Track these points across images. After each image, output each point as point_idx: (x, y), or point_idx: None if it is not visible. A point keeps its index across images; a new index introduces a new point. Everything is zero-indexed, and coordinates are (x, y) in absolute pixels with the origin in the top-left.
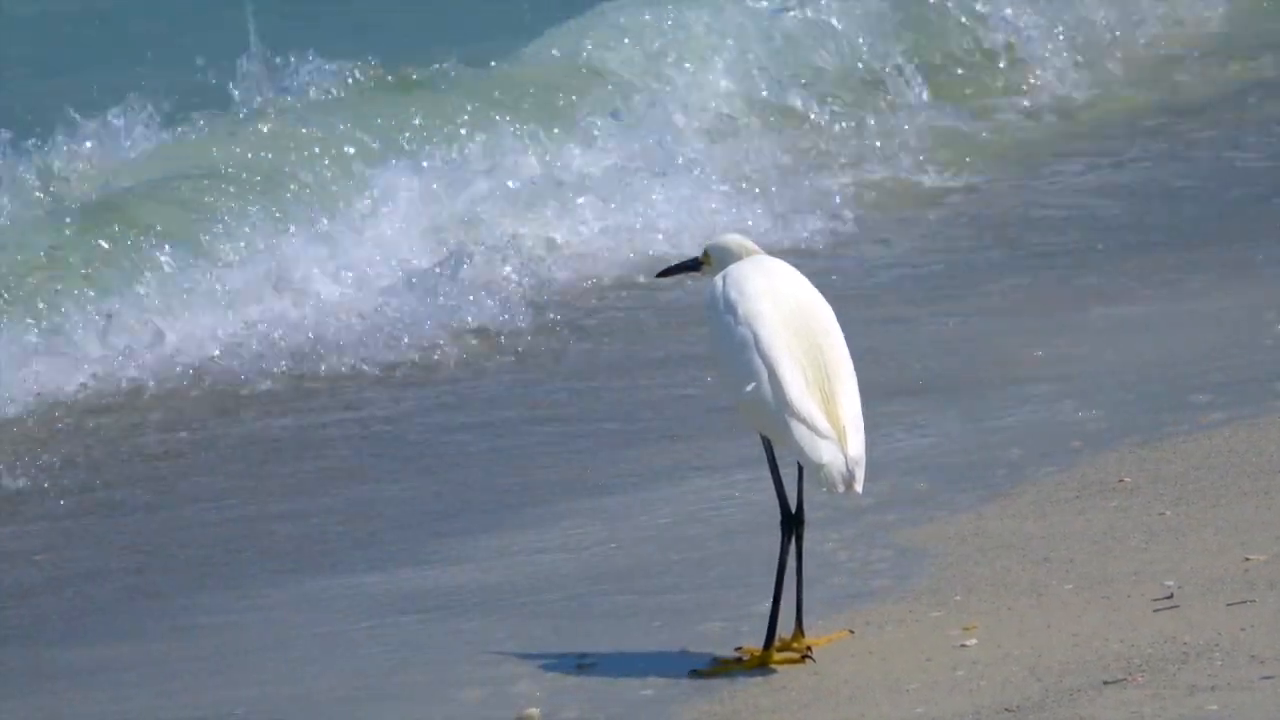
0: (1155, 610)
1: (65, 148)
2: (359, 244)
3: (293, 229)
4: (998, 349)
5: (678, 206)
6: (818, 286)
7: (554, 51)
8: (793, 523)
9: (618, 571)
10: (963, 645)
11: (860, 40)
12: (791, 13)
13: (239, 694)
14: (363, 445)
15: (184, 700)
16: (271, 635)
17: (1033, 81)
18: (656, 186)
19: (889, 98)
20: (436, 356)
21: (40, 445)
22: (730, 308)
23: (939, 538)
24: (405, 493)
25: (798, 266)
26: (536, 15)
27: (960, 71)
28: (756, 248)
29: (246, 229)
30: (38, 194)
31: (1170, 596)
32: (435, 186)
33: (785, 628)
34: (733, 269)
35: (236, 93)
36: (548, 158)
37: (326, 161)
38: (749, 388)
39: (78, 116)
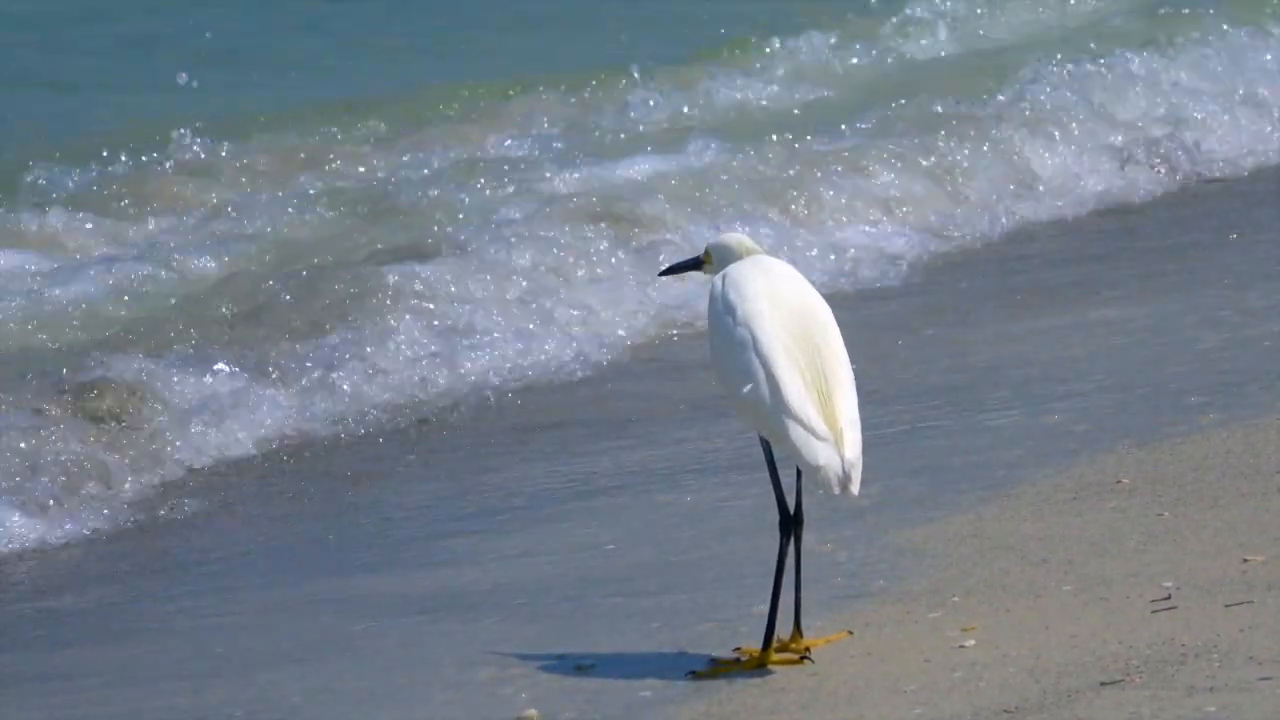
0: (1153, 611)
1: None
2: None
3: None
4: (997, 349)
5: None
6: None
7: None
8: (791, 523)
9: (616, 573)
10: (961, 646)
11: None
12: None
13: (238, 694)
14: (364, 447)
15: (184, 700)
16: (271, 635)
17: None
18: None
19: None
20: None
21: None
22: (729, 308)
23: (937, 539)
24: (406, 493)
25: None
26: None
27: None
28: (757, 247)
29: None
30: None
31: (1168, 598)
32: None
33: (784, 629)
34: (732, 269)
35: None
36: None
37: None
38: (746, 388)
39: None
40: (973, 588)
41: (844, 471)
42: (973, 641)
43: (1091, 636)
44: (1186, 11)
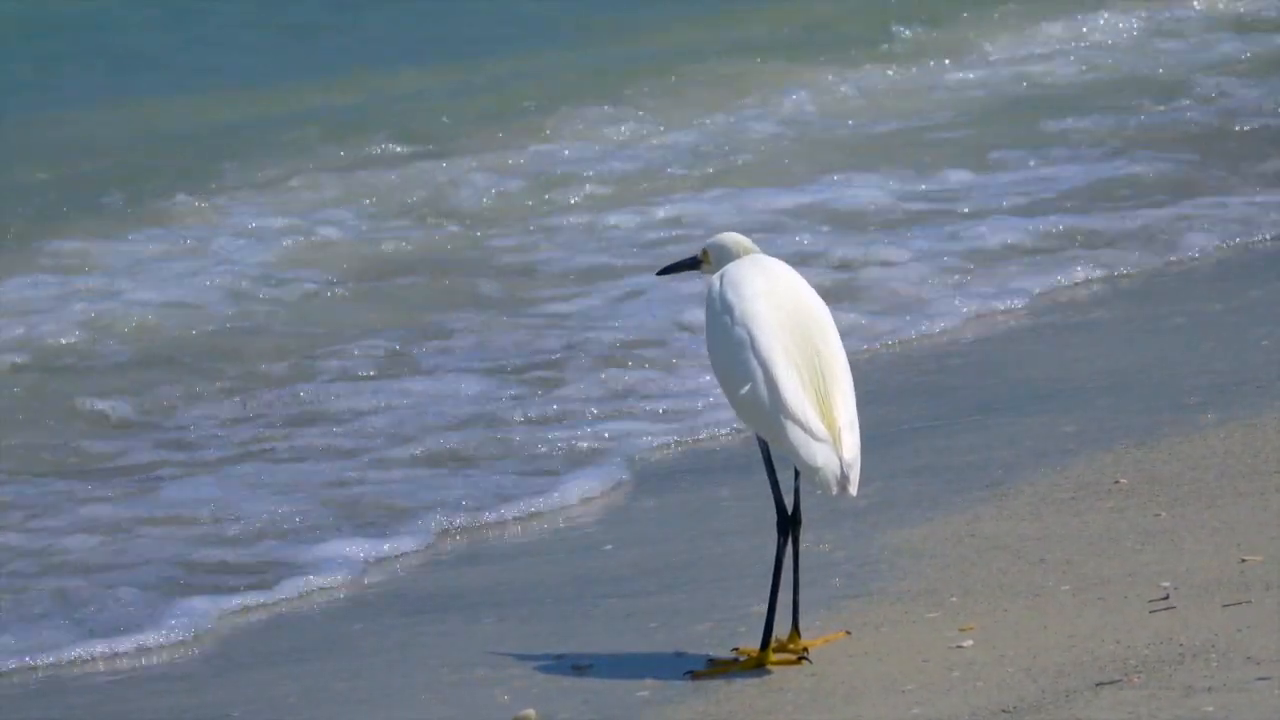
0: (1151, 611)
1: None
2: None
3: None
4: (995, 349)
5: None
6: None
7: None
8: (790, 523)
9: (614, 573)
10: (959, 646)
11: None
12: None
13: (237, 694)
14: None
15: (183, 700)
16: (269, 635)
17: None
18: None
19: None
20: None
21: None
22: (727, 308)
23: (935, 539)
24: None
25: None
26: None
27: None
28: (754, 246)
29: None
30: None
31: (1166, 598)
32: None
33: (782, 629)
34: (731, 268)
35: None
36: None
37: None
38: (744, 389)
39: None
40: (971, 588)
41: (842, 472)
42: (971, 641)
43: (1089, 636)
44: None
